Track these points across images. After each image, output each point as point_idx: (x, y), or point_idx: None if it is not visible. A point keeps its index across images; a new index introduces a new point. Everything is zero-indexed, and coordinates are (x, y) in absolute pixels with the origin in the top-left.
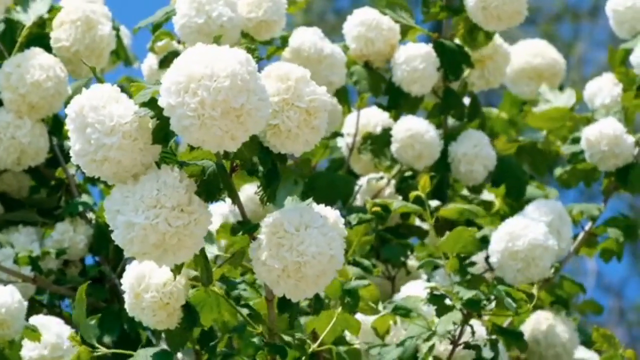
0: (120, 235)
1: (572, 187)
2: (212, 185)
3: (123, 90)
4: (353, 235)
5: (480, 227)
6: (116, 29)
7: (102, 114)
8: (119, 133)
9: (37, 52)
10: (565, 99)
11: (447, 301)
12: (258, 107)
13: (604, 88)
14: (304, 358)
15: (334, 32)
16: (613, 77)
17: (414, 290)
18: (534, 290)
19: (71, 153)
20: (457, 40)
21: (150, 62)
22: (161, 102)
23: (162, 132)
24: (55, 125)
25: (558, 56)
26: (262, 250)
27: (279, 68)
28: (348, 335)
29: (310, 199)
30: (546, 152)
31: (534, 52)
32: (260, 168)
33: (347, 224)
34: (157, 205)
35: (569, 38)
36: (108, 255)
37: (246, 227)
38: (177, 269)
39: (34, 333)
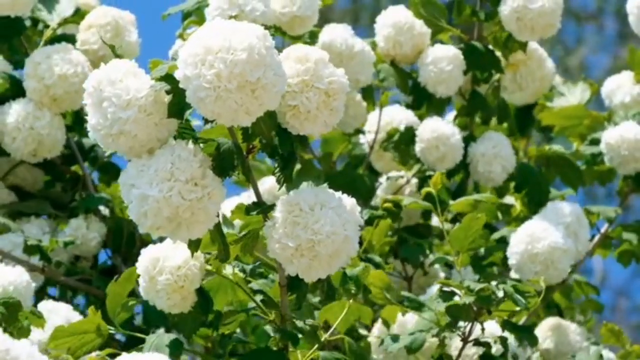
0: (134, 208)
1: (587, 185)
2: (226, 160)
3: None
4: (375, 236)
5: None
6: None
7: (118, 87)
8: (134, 107)
9: (69, 47)
10: (579, 93)
11: (457, 297)
12: (274, 82)
13: (623, 86)
14: (316, 346)
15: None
16: (633, 75)
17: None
18: (542, 283)
19: (88, 127)
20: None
21: (177, 48)
22: (178, 74)
23: (177, 106)
24: (76, 122)
25: (543, 54)
26: (277, 228)
27: (298, 49)
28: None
29: (326, 184)
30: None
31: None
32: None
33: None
34: (171, 178)
35: (571, 41)
36: (120, 249)
37: (260, 207)
38: (194, 246)
39: (38, 319)
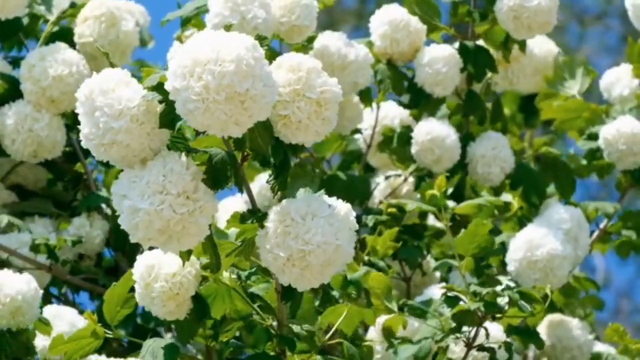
0: (125, 220)
1: (584, 178)
2: (219, 172)
3: (133, 74)
4: (380, 242)
5: (498, 230)
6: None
7: (110, 97)
8: (126, 117)
9: (62, 46)
10: (579, 78)
11: (462, 303)
12: (263, 93)
13: (622, 78)
14: (313, 351)
15: (337, 26)
16: (631, 69)
17: (436, 293)
18: (547, 290)
19: (81, 137)
20: (481, 42)
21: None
22: (167, 86)
23: (169, 117)
24: (76, 120)
25: (552, 45)
26: (269, 238)
27: (291, 59)
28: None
29: (322, 191)
30: (570, 168)
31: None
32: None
33: (364, 225)
34: (163, 191)
35: (574, 43)
36: (125, 249)
37: (256, 215)
38: (185, 256)
39: (45, 326)
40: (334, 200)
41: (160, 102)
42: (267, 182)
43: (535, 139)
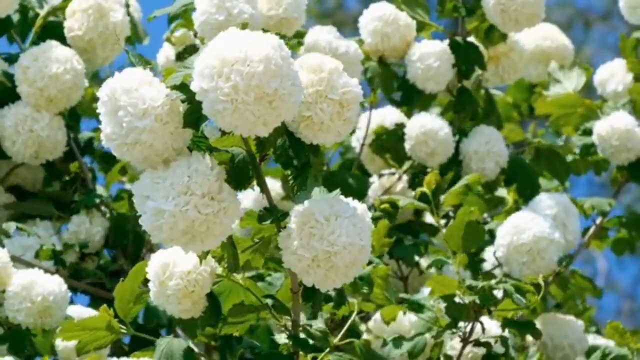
0: (148, 221)
1: (581, 174)
2: (241, 172)
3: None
4: (373, 237)
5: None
6: (126, 5)
7: (134, 96)
8: (151, 116)
9: (53, 44)
10: (574, 79)
11: (457, 298)
12: (291, 92)
13: (616, 74)
14: (327, 350)
15: (339, 29)
16: (625, 63)
17: None
18: (540, 280)
19: (102, 137)
20: (471, 38)
21: (166, 52)
22: (194, 86)
23: (193, 116)
24: (72, 119)
25: (567, 41)
26: (292, 239)
27: (313, 59)
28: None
29: (338, 190)
30: (563, 156)
31: (543, 36)
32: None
33: None
34: (188, 192)
35: (578, 42)
36: (126, 249)
37: (275, 214)
38: (203, 255)
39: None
40: (353, 203)
41: (183, 101)
42: (287, 181)
43: (538, 130)
